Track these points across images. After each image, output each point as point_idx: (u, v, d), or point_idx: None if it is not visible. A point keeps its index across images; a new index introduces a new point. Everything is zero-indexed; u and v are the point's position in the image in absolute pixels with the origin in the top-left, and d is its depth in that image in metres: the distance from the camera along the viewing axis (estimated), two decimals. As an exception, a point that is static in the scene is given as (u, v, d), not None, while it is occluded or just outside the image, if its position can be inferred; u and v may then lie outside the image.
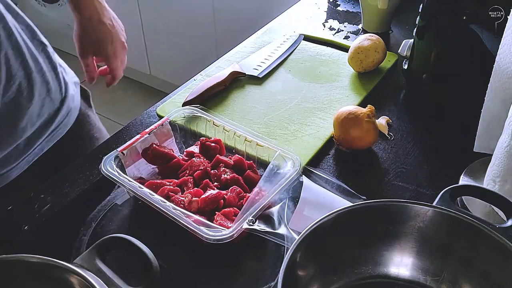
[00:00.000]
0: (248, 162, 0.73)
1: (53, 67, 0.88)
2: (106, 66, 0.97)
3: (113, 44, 0.94)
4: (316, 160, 0.79)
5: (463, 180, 0.71)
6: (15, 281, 0.51)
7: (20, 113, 0.82)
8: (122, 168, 0.70)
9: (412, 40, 0.91)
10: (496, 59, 0.68)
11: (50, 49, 0.89)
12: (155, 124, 0.76)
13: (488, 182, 0.66)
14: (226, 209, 0.65)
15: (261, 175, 0.68)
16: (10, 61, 0.78)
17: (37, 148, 0.88)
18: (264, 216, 0.63)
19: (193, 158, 0.73)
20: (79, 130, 0.96)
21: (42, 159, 0.89)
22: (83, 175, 0.77)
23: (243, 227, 0.61)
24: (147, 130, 0.75)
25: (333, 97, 0.92)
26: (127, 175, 0.69)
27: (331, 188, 0.71)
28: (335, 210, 0.55)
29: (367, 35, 0.97)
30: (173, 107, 0.87)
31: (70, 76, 0.95)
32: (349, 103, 0.89)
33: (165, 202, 0.64)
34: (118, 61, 0.97)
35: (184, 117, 0.80)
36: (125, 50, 0.98)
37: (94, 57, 0.95)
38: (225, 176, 0.70)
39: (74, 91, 0.95)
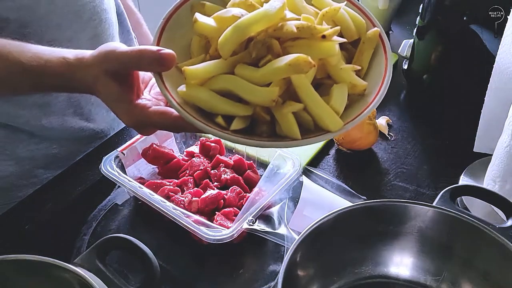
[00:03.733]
0: (248, 162, 0.73)
1: None
2: None
3: None
4: (316, 160, 0.79)
5: (463, 180, 0.71)
6: (15, 281, 0.51)
7: None
8: (122, 168, 0.70)
9: (412, 40, 0.91)
10: (496, 59, 0.68)
11: None
12: (155, 124, 0.76)
13: (488, 182, 0.66)
14: (226, 209, 0.65)
15: (261, 175, 0.68)
16: None
17: None
18: (264, 216, 0.63)
19: (193, 158, 0.73)
20: None
21: None
22: (84, 175, 0.77)
23: (243, 227, 0.61)
24: (147, 130, 0.75)
25: (333, 97, 0.91)
26: (127, 175, 0.69)
27: (331, 188, 0.71)
28: (335, 210, 0.55)
29: (367, 35, 0.97)
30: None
31: None
32: (349, 103, 0.89)
33: (165, 202, 0.64)
34: None
35: (184, 117, 0.79)
36: None
37: None
38: (225, 176, 0.69)
39: None
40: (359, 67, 0.46)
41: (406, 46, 0.93)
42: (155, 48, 0.45)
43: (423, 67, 0.90)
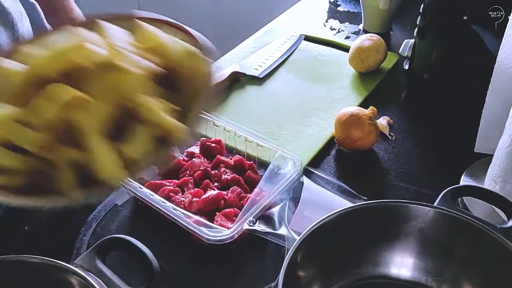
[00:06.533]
0: (249, 162, 0.73)
1: None
2: None
3: None
4: (317, 161, 0.79)
5: (464, 181, 0.71)
6: (15, 281, 0.51)
7: None
8: (123, 168, 0.70)
9: (413, 40, 0.91)
10: (496, 59, 0.68)
11: None
12: (156, 125, 0.76)
13: (489, 182, 0.66)
14: (226, 210, 0.65)
15: (262, 176, 0.68)
16: None
17: None
18: (265, 217, 0.63)
19: (194, 159, 0.72)
20: None
21: None
22: (84, 176, 0.77)
23: (243, 228, 0.61)
24: (147, 130, 0.75)
25: (334, 97, 0.92)
26: (127, 175, 0.69)
27: (331, 188, 0.71)
28: (336, 211, 0.55)
29: (368, 35, 0.97)
30: (173, 108, 0.87)
31: None
32: (350, 103, 0.89)
33: (165, 203, 0.64)
34: None
35: (185, 118, 0.79)
36: None
37: None
38: (226, 176, 0.69)
39: None
40: (175, 107, 0.40)
41: (407, 46, 0.93)
42: None
43: (424, 67, 0.90)
